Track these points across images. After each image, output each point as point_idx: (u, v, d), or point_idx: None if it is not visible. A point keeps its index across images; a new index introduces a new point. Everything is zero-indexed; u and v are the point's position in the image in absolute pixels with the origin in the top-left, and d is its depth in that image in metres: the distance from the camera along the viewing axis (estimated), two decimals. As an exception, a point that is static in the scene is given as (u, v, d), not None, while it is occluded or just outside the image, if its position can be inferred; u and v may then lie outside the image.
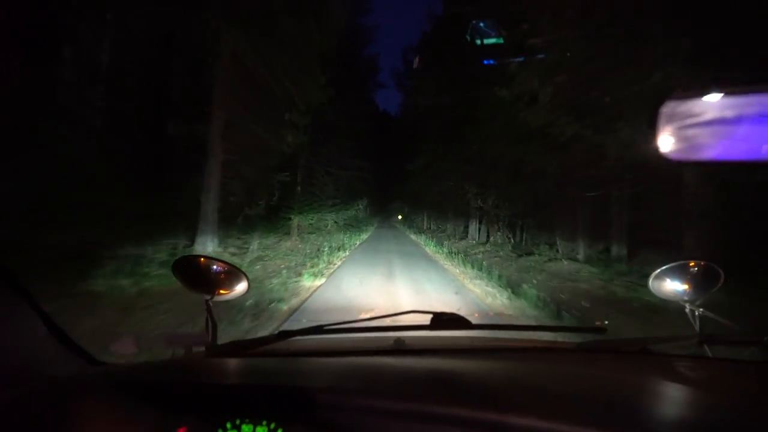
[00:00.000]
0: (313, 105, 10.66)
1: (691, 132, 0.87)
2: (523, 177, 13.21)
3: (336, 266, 9.78)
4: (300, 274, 7.87)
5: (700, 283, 1.23)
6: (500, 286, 7.59)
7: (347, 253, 12.79)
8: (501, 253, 14.89)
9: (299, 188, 16.85)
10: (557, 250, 13.43)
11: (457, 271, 9.63)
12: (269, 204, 12.64)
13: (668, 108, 0.89)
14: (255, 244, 11.01)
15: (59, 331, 0.81)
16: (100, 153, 9.68)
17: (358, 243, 17.11)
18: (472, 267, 10.02)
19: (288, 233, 16.45)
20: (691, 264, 1.26)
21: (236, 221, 11.14)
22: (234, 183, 9.94)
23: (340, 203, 23.16)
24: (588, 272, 9.54)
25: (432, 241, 19.96)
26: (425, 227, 32.08)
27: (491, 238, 18.10)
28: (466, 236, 21.64)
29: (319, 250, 12.71)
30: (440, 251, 15.17)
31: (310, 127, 18.71)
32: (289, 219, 16.08)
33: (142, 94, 10.13)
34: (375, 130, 33.23)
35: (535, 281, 7.42)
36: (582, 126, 6.96)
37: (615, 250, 11.19)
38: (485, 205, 17.83)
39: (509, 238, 16.76)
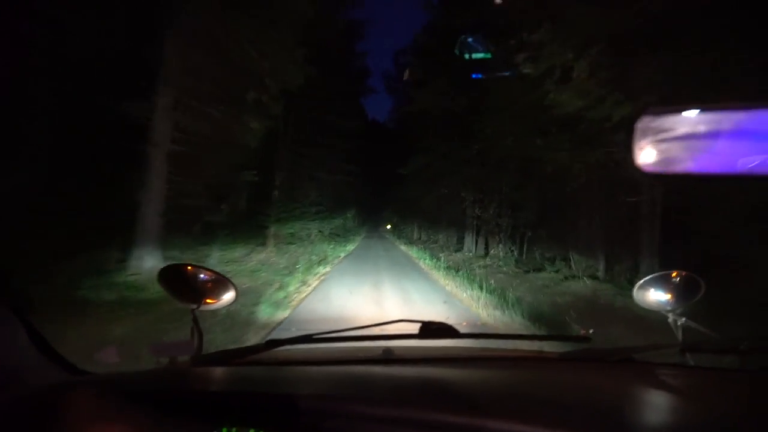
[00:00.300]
0: (288, 86, 8.73)
1: (666, 146, 0.88)
2: (535, 180, 11.50)
3: (311, 287, 7.79)
4: (257, 302, 5.86)
5: (681, 293, 1.26)
6: (524, 317, 5.75)
7: (328, 269, 10.78)
8: (505, 269, 13.07)
9: (277, 193, 14.81)
10: (570, 266, 11.66)
11: (464, 295, 7.72)
12: (237, 210, 10.59)
13: (644, 122, 0.90)
14: (215, 258, 8.92)
15: (41, 339, 0.79)
16: (13, 141, 7.57)
17: (342, 255, 15.09)
18: (480, 288, 8.15)
19: (264, 243, 14.39)
20: (673, 274, 1.29)
21: (193, 230, 9.06)
22: (186, 181, 7.89)
23: (324, 211, 21.27)
24: (625, 296, 7.72)
25: (425, 253, 18.08)
26: (415, 237, 30.28)
27: (491, 251, 16.25)
28: (462, 248, 19.82)
29: (295, 264, 10.71)
30: (437, 266, 13.28)
31: (291, 124, 16.83)
32: (265, 228, 14.01)
33: (72, 69, 8.06)
34: (364, 136, 31.76)
35: (573, 314, 5.60)
36: (641, 106, 5.20)
37: (645, 267, 9.44)
38: (485, 214, 16.06)
39: (512, 251, 14.96)
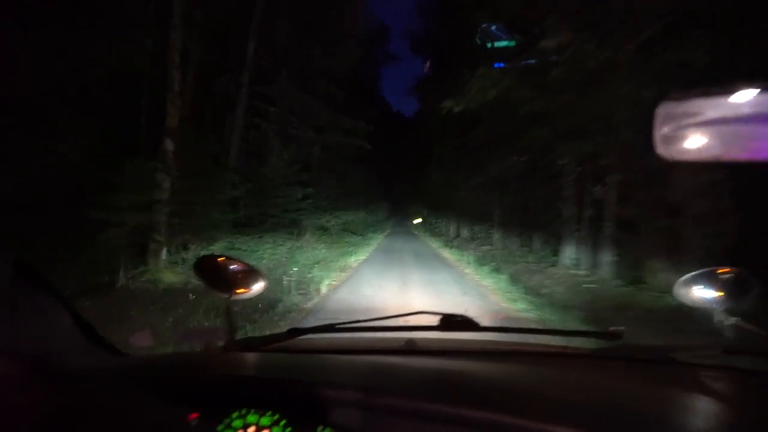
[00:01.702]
0: None
1: (688, 132, 0.83)
2: None
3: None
4: None
5: (731, 291, 1.14)
6: None
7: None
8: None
9: (171, 145, 6.39)
10: None
11: None
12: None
13: (667, 107, 0.86)
14: None
15: (83, 322, 0.81)
16: None
17: (325, 282, 6.59)
18: None
19: (147, 262, 6.20)
20: (719, 270, 1.19)
21: None
22: None
23: (323, 198, 13.34)
24: None
25: (500, 273, 9.35)
26: (453, 236, 21.41)
27: (653, 274, 7.34)
28: (556, 260, 11.01)
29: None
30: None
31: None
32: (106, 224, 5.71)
33: None
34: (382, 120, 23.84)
35: None
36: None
37: None
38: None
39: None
